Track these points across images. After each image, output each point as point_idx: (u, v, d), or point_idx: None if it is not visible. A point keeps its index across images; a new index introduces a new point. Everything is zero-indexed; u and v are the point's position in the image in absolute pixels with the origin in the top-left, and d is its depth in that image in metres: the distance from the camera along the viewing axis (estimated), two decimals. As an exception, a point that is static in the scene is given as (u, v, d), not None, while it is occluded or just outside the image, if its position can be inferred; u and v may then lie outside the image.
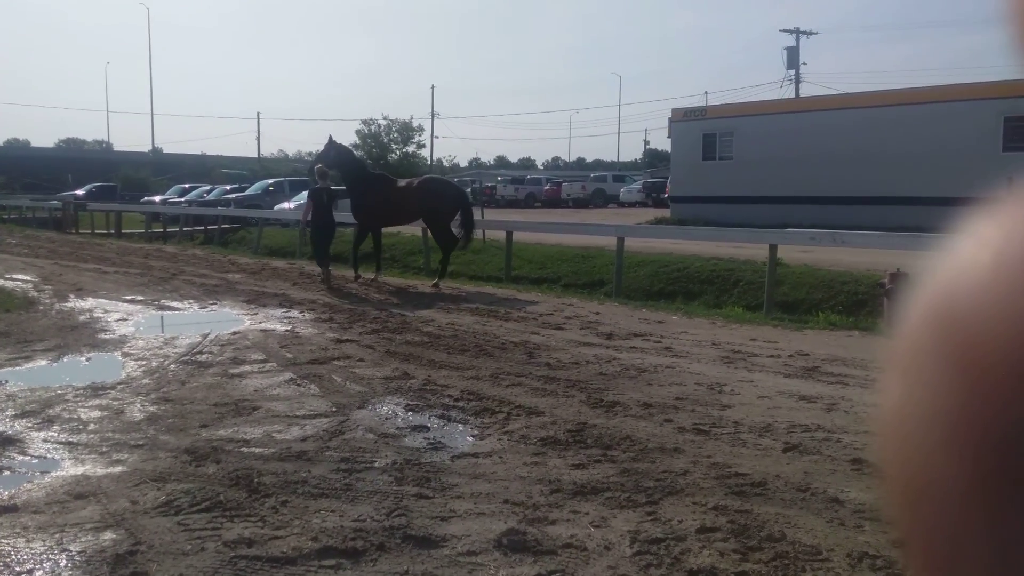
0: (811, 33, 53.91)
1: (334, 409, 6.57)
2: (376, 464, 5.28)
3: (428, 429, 6.10)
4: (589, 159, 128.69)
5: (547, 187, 49.85)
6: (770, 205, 24.05)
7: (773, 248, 12.23)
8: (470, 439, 5.92)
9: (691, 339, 9.47)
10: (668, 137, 30.23)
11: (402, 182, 15.78)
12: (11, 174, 62.59)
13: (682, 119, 28.77)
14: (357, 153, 16.26)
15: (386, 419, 6.36)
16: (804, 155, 24.61)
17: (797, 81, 52.16)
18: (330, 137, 15.72)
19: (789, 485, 4.83)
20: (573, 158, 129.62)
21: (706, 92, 77.12)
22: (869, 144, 23.44)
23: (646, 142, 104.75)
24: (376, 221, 15.60)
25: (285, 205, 28.89)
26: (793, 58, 51.90)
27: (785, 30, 53.13)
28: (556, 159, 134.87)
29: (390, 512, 4.48)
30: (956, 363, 0.35)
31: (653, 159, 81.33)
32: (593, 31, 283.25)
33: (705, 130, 27.65)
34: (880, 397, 0.38)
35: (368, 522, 4.34)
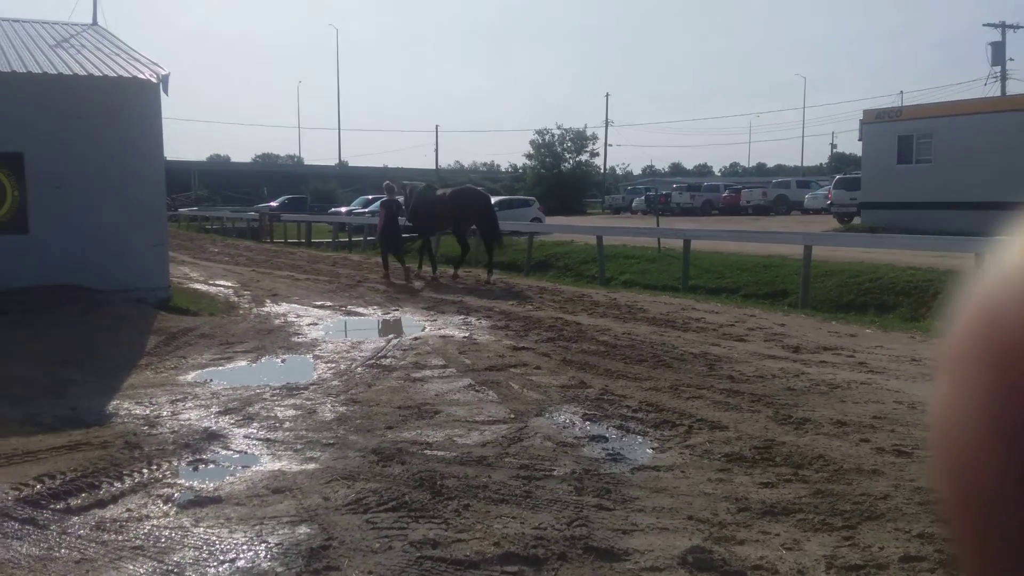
0: (1018, 27, 49.57)
1: (512, 416, 6.60)
2: (555, 472, 5.24)
3: (606, 439, 6.00)
4: (770, 164, 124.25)
5: (725, 194, 48.44)
6: (973, 211, 22.19)
7: (979, 258, 11.25)
8: (650, 451, 5.77)
9: (888, 354, 8.85)
10: (859, 140, 28.60)
11: (439, 192, 18.42)
12: (213, 187, 68.04)
13: (875, 121, 27.14)
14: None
15: (564, 428, 6.31)
16: (1011, 157, 22.58)
17: (1003, 78, 48.10)
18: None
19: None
20: (753, 163, 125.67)
21: (901, 92, 72.80)
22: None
23: (833, 145, 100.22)
24: (426, 229, 18.24)
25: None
26: (999, 54, 47.88)
27: (989, 24, 49.14)
28: (734, 165, 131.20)
29: (570, 522, 4.42)
30: (998, 365, 0.36)
31: (840, 163, 77.40)
32: (774, 32, 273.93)
33: (900, 132, 25.94)
34: (930, 397, 0.41)
35: (549, 530, 4.30)
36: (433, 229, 18.58)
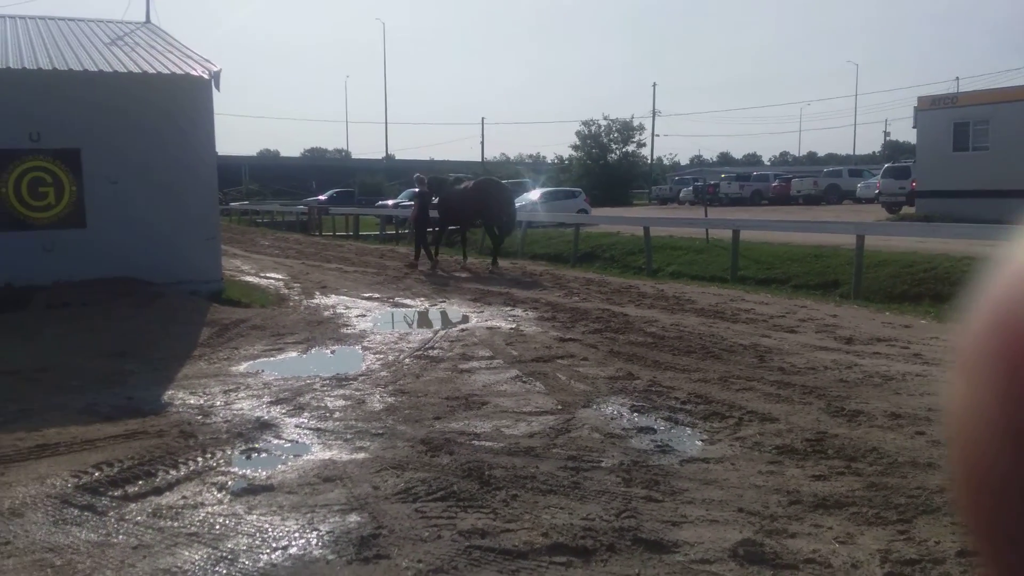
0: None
1: (559, 407, 6.59)
2: (603, 464, 5.22)
3: (655, 431, 5.96)
4: (821, 153, 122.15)
5: (775, 183, 47.67)
6: (1033, 199, 21.59)
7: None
8: (699, 443, 5.72)
9: (944, 345, 8.65)
10: (913, 127, 27.93)
11: (463, 184, 19.28)
12: (263, 182, 69.07)
13: (930, 107, 26.47)
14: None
15: (611, 419, 6.29)
16: (1075, 143, 21.91)
17: (1064, 61, 46.50)
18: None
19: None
20: (803, 152, 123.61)
21: (957, 78, 70.92)
22: None
23: (886, 133, 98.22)
24: (450, 220, 18.91)
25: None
26: (1059, 36, 46.31)
27: (1049, 5, 47.53)
28: (784, 154, 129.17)
29: (619, 513, 4.40)
30: (1013, 365, 0.36)
31: (894, 151, 75.73)
32: (824, 18, 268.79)
33: (956, 119, 25.27)
34: (947, 396, 0.41)
35: (597, 521, 4.29)
36: (457, 221, 19.04)
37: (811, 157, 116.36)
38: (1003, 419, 0.37)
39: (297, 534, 4.20)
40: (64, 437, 5.90)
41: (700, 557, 3.91)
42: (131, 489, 4.86)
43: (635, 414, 6.40)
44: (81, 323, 10.46)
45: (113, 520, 4.41)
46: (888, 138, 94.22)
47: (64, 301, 11.44)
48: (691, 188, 52.03)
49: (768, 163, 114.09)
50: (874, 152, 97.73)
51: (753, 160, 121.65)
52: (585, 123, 64.09)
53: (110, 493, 4.80)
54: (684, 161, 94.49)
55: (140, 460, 5.34)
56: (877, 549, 3.97)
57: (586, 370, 7.88)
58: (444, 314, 12.14)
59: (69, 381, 7.73)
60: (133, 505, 4.62)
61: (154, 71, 13.15)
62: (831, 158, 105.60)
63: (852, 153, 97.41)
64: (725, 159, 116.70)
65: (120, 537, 4.19)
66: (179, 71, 13.25)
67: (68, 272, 12.07)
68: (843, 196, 42.71)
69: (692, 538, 4.11)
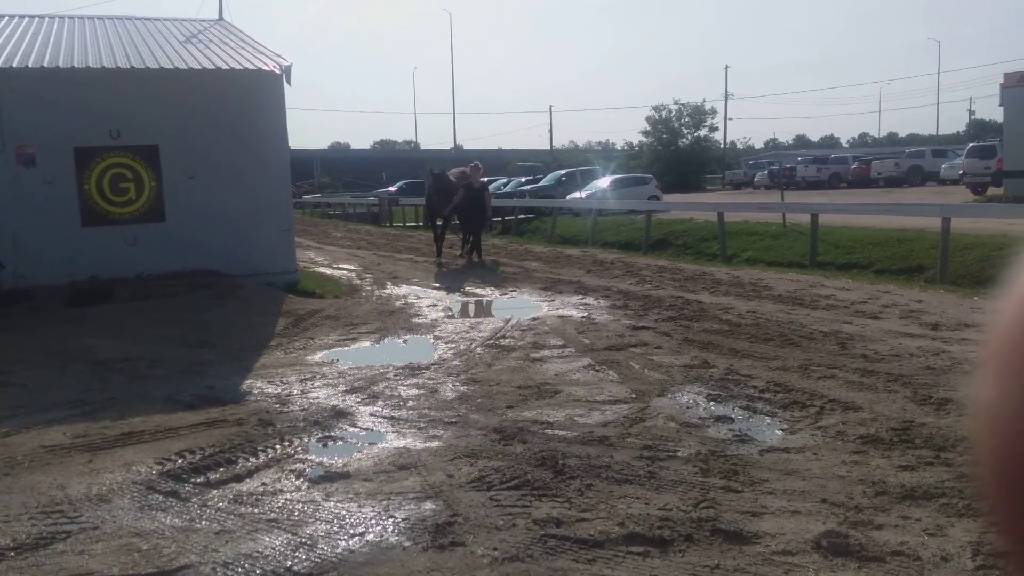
0: None
1: (633, 396, 6.49)
2: (679, 454, 5.12)
3: (732, 420, 5.83)
4: (902, 134, 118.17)
5: (854, 166, 46.30)
6: None
7: None
8: (779, 433, 5.56)
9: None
10: (999, 105, 26.77)
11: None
12: (334, 175, 70.10)
13: (1017, 84, 25.32)
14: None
15: (687, 408, 6.17)
16: None
17: None
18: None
19: None
20: (883, 133, 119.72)
21: (1047, 51, 67.59)
22: None
23: (971, 112, 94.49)
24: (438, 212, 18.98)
25: (577, 195, 29.48)
26: None
27: None
28: (863, 135, 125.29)
29: (697, 503, 4.30)
30: None
31: (979, 130, 72.80)
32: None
33: (1046, 95, 24.16)
34: (975, 390, 0.39)
35: (674, 512, 4.20)
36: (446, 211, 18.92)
37: (892, 138, 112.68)
38: None
39: (373, 521, 4.23)
40: (148, 425, 6.07)
41: (782, 548, 3.80)
42: (212, 476, 4.96)
43: (712, 403, 6.27)
44: (162, 314, 10.77)
45: (196, 506, 4.51)
46: (973, 117, 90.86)
47: (146, 294, 11.80)
48: (766, 172, 50.90)
49: (846, 145, 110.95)
50: (958, 132, 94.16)
51: (831, 142, 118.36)
52: (655, 108, 63.48)
53: (193, 480, 4.91)
54: (759, 145, 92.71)
55: (221, 448, 5.45)
56: (968, 541, 3.80)
57: (660, 358, 7.76)
58: (515, 303, 12.12)
59: (152, 371, 7.96)
60: (215, 491, 4.72)
61: (227, 67, 13.42)
62: (913, 139, 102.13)
63: (935, 133, 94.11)
64: (801, 142, 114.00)
65: (203, 523, 4.27)
66: (251, 67, 13.49)
67: (149, 265, 12.44)
68: (926, 178, 41.21)
69: (773, 529, 3.99)
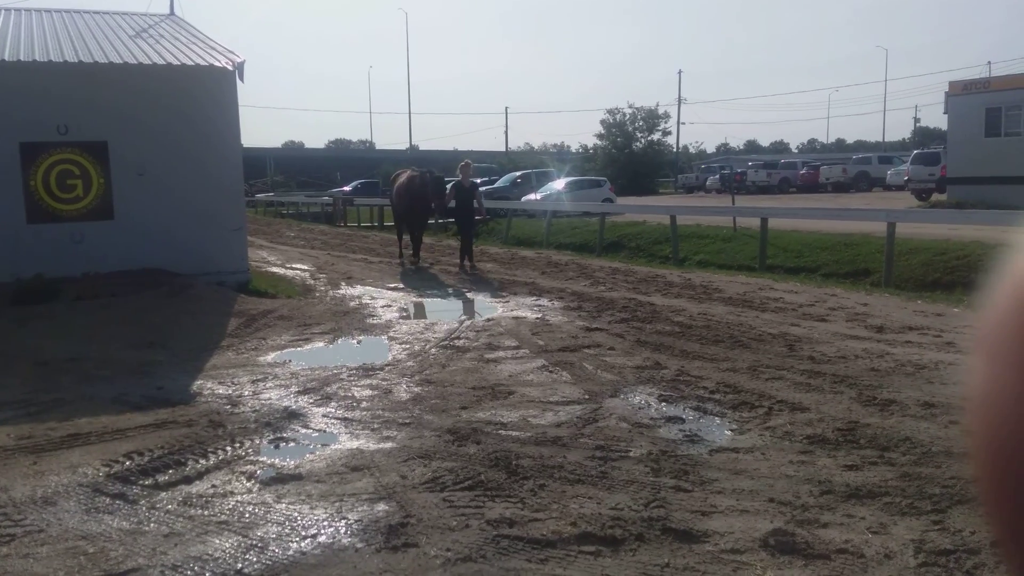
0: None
1: (586, 397, 6.55)
2: (631, 453, 5.18)
3: (683, 421, 5.91)
4: (850, 140, 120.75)
5: (803, 171, 47.13)
6: (1066, 185, 21.20)
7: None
8: (728, 433, 5.66)
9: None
10: (944, 113, 27.49)
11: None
12: (288, 173, 69.38)
13: (961, 92, 26.03)
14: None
15: (639, 408, 6.24)
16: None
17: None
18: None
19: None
20: (832, 139, 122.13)
21: (989, 62, 69.75)
22: None
23: (916, 119, 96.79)
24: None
25: (532, 196, 29.56)
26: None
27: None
28: (812, 141, 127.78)
29: (648, 503, 4.36)
30: None
31: (925, 137, 74.64)
32: (854, 2, 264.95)
33: (989, 104, 24.83)
34: (967, 378, 0.40)
35: (626, 511, 4.25)
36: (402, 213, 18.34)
37: (840, 144, 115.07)
38: None
39: (326, 523, 4.21)
40: (95, 427, 5.95)
41: (730, 547, 3.87)
42: (161, 478, 4.89)
43: (663, 404, 6.35)
44: (110, 314, 10.56)
45: (144, 508, 4.44)
46: (918, 124, 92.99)
47: (93, 292, 11.56)
48: (718, 176, 51.63)
49: (796, 150, 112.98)
50: (904, 139, 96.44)
51: (781, 148, 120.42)
52: (610, 112, 63.86)
53: (141, 482, 4.83)
54: (711, 149, 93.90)
55: (170, 449, 5.38)
56: (911, 539, 3.91)
57: (613, 360, 7.84)
58: (470, 304, 12.13)
59: (99, 371, 7.81)
60: (163, 494, 4.65)
61: (178, 63, 13.22)
62: (860, 145, 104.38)
63: (882, 140, 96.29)
64: (752, 147, 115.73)
65: (151, 525, 4.21)
66: (203, 63, 13.31)
67: (97, 263, 12.20)
68: (872, 183, 42.22)
69: (722, 528, 4.07)
